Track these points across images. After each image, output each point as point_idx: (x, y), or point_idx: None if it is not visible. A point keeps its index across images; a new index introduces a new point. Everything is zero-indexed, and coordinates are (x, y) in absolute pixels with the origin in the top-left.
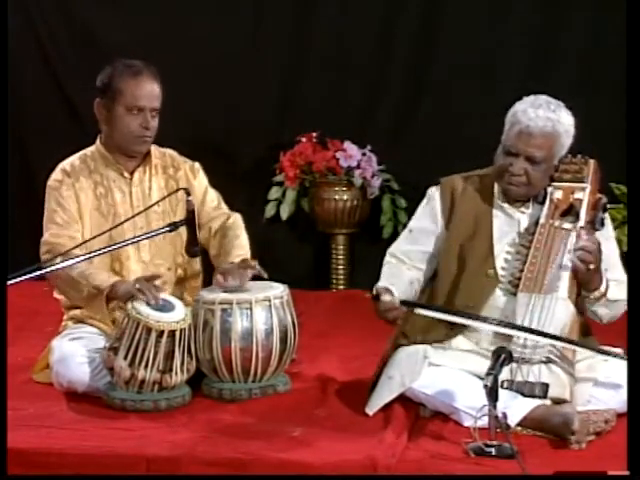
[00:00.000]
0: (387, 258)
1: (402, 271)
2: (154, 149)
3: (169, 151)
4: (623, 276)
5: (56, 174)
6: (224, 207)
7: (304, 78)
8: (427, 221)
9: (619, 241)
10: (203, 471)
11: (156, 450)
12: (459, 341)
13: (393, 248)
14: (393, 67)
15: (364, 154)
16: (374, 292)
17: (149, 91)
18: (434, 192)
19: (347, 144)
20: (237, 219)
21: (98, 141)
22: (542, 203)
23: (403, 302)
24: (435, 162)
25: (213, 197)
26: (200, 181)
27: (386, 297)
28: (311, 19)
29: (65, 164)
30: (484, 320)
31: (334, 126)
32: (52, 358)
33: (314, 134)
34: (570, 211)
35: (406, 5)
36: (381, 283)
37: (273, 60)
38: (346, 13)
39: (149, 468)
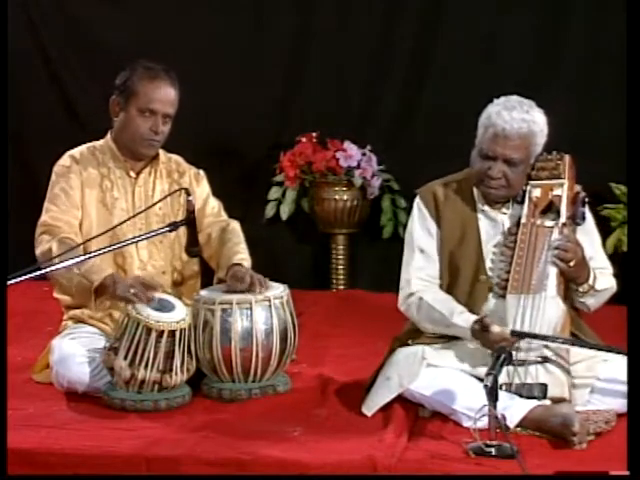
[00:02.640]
0: (418, 286)
1: (448, 296)
2: (162, 153)
3: (175, 157)
4: (606, 263)
5: (64, 160)
6: (224, 215)
7: (304, 78)
8: (427, 235)
9: (619, 241)
10: (203, 471)
11: (156, 450)
12: (457, 342)
13: (420, 273)
14: (393, 67)
15: (364, 154)
16: (481, 324)
17: (163, 95)
18: (418, 203)
19: (347, 144)
20: (236, 227)
21: (109, 136)
22: (521, 203)
23: (514, 332)
24: (435, 162)
25: (214, 205)
26: (203, 188)
27: (495, 328)
28: (311, 19)
29: (74, 152)
30: (599, 348)
31: (334, 126)
32: (52, 358)
33: (314, 134)
34: (550, 208)
35: (406, 5)
36: (462, 314)
37: (273, 60)
38: (346, 13)
39: (149, 468)
